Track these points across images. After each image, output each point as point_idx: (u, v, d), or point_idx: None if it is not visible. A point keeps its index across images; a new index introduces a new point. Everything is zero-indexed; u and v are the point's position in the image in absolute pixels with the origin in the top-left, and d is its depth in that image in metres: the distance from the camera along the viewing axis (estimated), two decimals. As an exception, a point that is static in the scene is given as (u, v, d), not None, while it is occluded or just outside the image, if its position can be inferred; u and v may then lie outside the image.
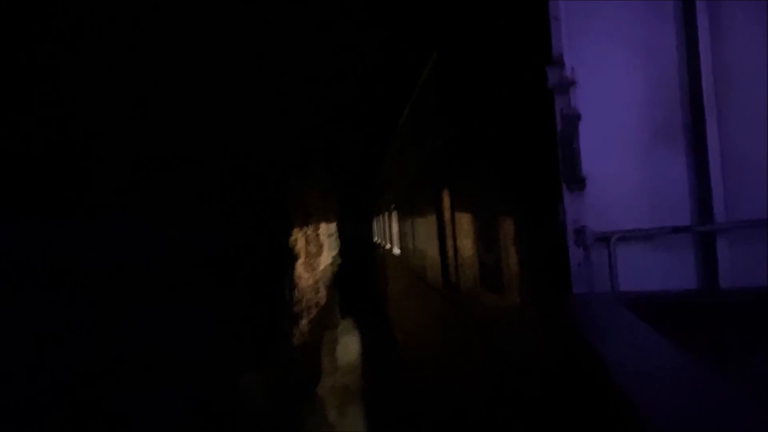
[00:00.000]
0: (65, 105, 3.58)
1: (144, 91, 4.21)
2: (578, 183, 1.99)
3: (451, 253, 4.86)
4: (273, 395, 6.71)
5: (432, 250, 5.87)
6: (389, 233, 12.53)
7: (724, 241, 2.01)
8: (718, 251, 2.01)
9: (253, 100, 6.00)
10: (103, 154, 3.93)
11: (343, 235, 19.58)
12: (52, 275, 3.50)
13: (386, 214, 13.03)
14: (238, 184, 6.23)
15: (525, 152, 2.56)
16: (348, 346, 13.05)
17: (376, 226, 17.81)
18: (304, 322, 9.67)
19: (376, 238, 18.12)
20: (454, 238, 4.60)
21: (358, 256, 21.07)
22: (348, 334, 14.38)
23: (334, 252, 17.27)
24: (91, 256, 3.82)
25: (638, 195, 2.06)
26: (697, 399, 0.98)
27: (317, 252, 12.08)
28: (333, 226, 17.77)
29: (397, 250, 10.95)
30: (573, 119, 1.98)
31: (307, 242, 10.59)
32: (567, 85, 1.99)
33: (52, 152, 3.51)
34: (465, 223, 4.15)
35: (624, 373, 1.11)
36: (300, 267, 9.57)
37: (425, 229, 6.39)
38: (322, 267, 12.90)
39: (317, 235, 12.29)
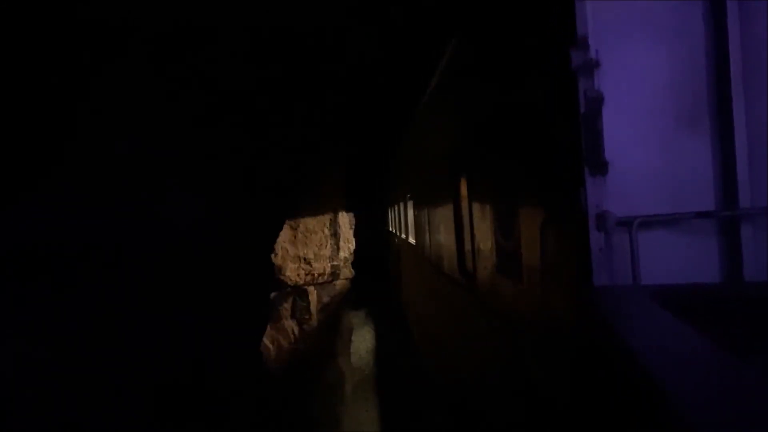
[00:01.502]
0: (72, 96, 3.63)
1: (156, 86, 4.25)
2: (601, 167, 1.97)
3: (467, 240, 4.84)
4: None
5: (448, 236, 5.86)
6: (404, 222, 12.52)
7: (749, 227, 1.98)
8: (742, 238, 1.98)
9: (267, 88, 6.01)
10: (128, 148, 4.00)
11: (358, 223, 19.63)
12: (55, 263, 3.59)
13: (401, 202, 13.01)
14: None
15: (547, 136, 2.53)
16: (362, 329, 13.20)
17: (390, 214, 17.79)
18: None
19: (390, 227, 18.11)
20: (471, 224, 4.58)
21: (372, 244, 21.08)
22: (363, 316, 14.56)
23: (351, 238, 17.37)
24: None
25: (661, 180, 2.03)
26: (729, 389, 0.98)
27: (337, 236, 12.36)
28: (349, 215, 17.84)
29: (412, 240, 10.95)
30: (596, 102, 1.96)
31: (327, 229, 10.81)
32: (591, 67, 1.96)
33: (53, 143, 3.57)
34: (483, 208, 4.13)
35: (654, 363, 1.10)
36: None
37: (442, 216, 6.37)
38: (342, 250, 13.14)
39: (336, 222, 12.48)
